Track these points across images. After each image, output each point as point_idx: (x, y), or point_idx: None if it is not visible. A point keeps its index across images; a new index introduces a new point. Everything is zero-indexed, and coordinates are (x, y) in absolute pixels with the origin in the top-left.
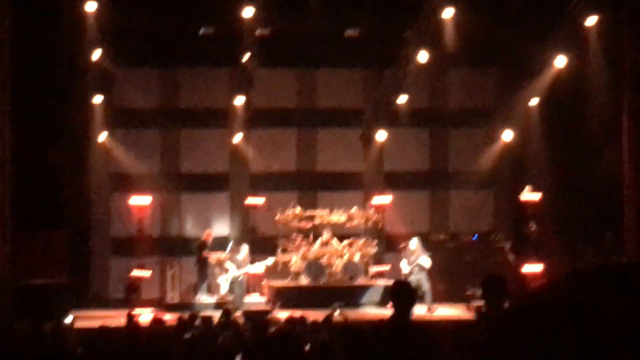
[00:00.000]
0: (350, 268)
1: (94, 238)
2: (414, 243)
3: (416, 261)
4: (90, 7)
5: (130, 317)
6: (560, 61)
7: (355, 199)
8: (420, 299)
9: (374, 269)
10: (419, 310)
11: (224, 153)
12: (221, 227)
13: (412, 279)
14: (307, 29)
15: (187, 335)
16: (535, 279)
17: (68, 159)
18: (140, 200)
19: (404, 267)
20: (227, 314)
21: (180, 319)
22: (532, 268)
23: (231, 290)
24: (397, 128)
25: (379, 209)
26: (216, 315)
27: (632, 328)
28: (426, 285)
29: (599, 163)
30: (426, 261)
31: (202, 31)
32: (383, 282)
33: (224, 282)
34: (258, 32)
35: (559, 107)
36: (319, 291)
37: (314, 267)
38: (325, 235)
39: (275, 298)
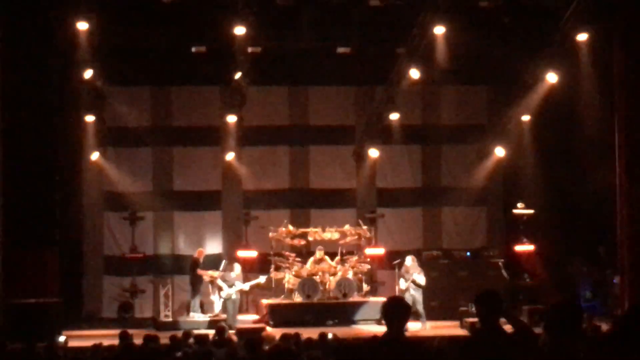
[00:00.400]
0: (343, 285)
1: (86, 257)
2: (409, 260)
3: (410, 279)
4: (82, 26)
5: (124, 336)
6: (552, 77)
7: (348, 216)
8: (414, 315)
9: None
10: (413, 327)
11: (217, 171)
12: (214, 246)
13: (407, 296)
14: (298, 47)
15: (180, 354)
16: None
17: (60, 178)
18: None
19: (402, 284)
20: (221, 331)
21: (173, 337)
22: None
23: (224, 308)
24: (389, 145)
25: (372, 225)
26: (210, 333)
27: None
28: (420, 302)
29: (591, 178)
30: (421, 278)
31: (193, 49)
32: (377, 299)
33: (217, 300)
34: (250, 50)
35: (551, 123)
36: (312, 308)
37: (308, 284)
38: (319, 252)
39: (268, 316)
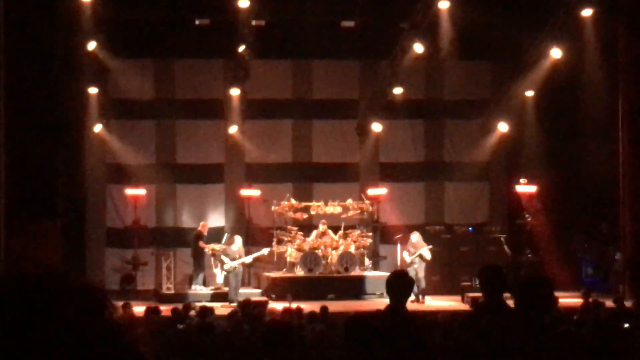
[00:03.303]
0: (345, 259)
1: (88, 229)
2: (415, 237)
3: (417, 253)
4: None
5: (126, 308)
6: (556, 53)
7: (350, 190)
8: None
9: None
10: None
11: (220, 144)
12: (216, 219)
13: (411, 270)
14: (302, 20)
15: (182, 326)
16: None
17: (63, 150)
18: (135, 192)
19: (406, 257)
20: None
21: (175, 309)
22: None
23: (226, 281)
24: (392, 119)
25: (374, 200)
26: (212, 305)
27: None
28: (422, 277)
29: (594, 154)
30: (427, 253)
31: (197, 22)
32: (378, 273)
33: (219, 273)
34: (254, 23)
35: (554, 98)
36: (314, 282)
37: (310, 258)
38: (321, 226)
39: (270, 289)
